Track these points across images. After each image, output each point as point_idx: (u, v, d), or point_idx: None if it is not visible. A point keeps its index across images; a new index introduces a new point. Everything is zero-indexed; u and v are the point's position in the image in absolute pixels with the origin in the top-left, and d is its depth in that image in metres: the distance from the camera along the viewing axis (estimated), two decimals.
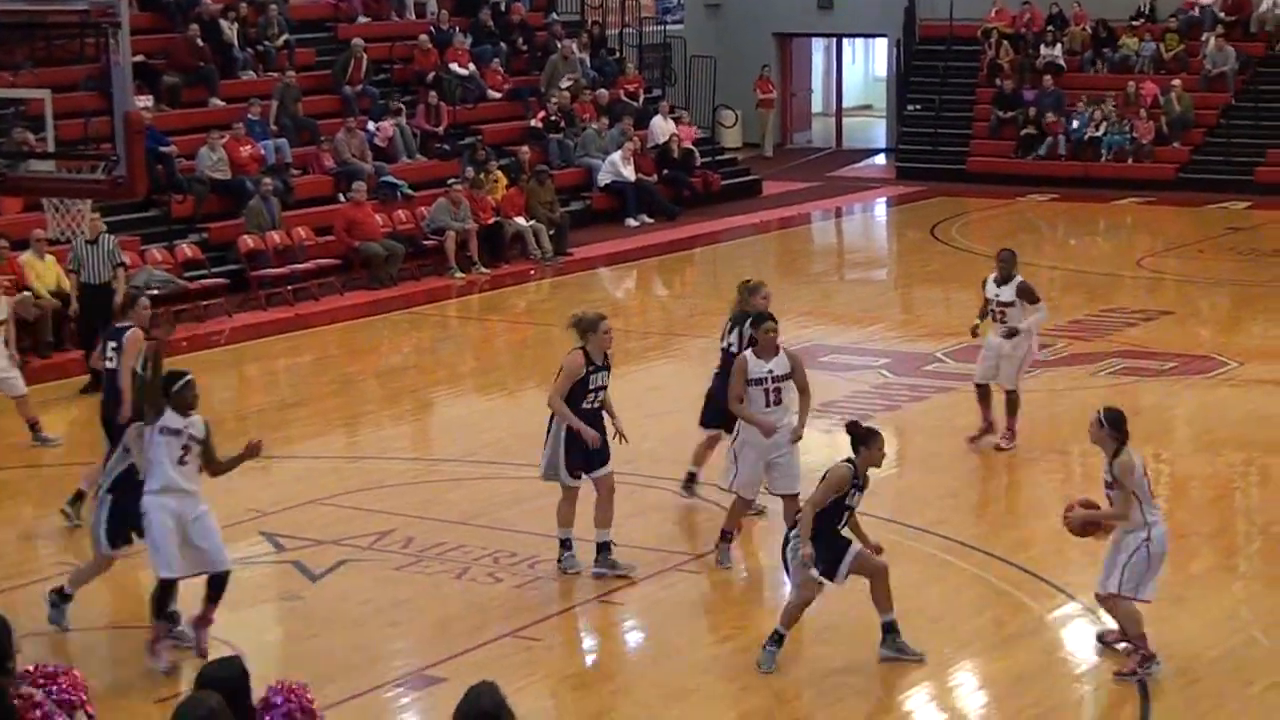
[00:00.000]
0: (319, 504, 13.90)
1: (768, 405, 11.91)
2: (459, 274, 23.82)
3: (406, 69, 28.14)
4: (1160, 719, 9.97)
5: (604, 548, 12.08)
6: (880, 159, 36.23)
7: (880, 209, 31.60)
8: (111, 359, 12.96)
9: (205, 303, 21.20)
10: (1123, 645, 10.57)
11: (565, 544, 12.13)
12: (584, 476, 11.97)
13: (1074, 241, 27.93)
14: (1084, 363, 18.28)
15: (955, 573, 12.34)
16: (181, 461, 10.55)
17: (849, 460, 10.34)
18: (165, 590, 10.65)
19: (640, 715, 10.17)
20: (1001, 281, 15.06)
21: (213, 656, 10.26)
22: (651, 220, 27.90)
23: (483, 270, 24.09)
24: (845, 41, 39.40)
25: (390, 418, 17.29)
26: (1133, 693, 10.24)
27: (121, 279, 17.97)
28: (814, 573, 10.25)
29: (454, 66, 28.30)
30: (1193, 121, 30.91)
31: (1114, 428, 10.17)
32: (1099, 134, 31.09)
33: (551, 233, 25.23)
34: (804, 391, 12.02)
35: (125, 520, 10.77)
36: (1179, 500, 14.12)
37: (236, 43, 26.13)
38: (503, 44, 29.83)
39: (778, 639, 10.50)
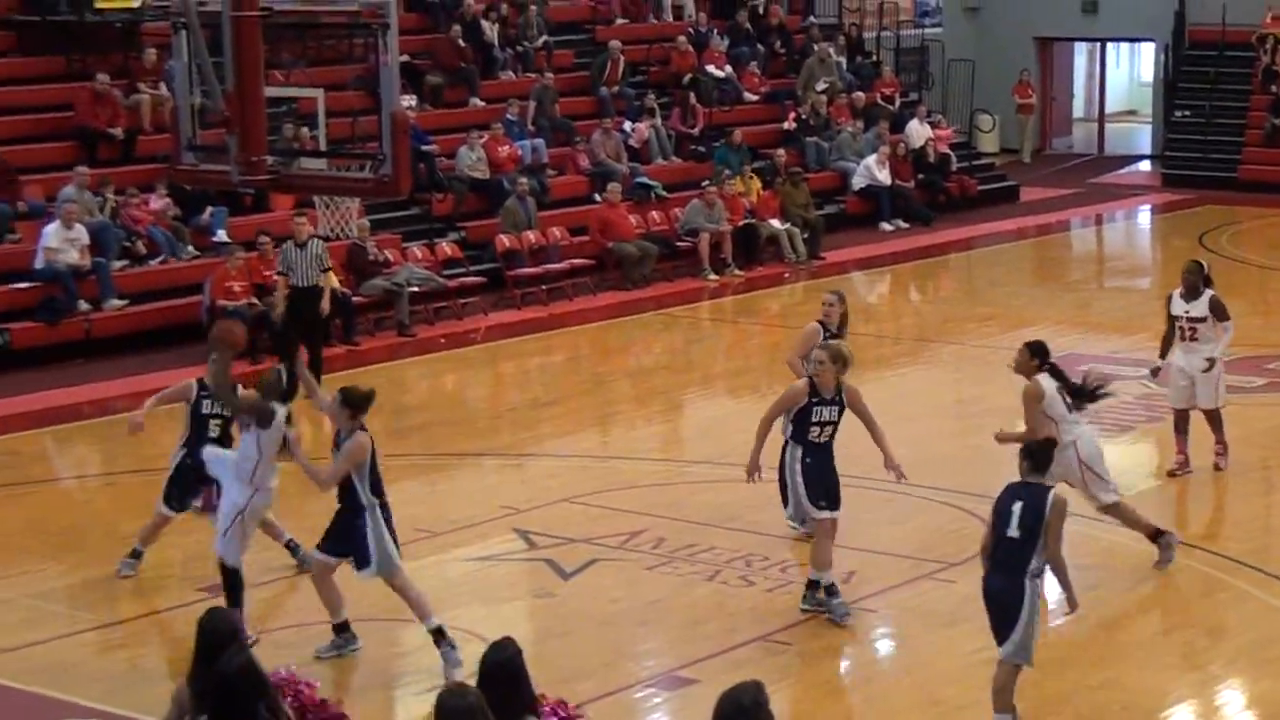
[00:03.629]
0: (571, 502, 14.04)
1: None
2: (712, 275, 23.89)
3: (663, 70, 28.31)
4: None
5: (814, 585, 11.60)
6: (1145, 165, 35.40)
7: (1144, 216, 30.87)
8: None
9: (463, 301, 21.59)
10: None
11: (829, 589, 11.50)
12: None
13: None
14: None
15: (1223, 588, 12.00)
16: None
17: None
18: None
19: None
20: (1189, 296, 14.37)
21: (464, 651, 10.46)
22: (906, 225, 27.67)
23: (736, 272, 24.13)
24: (1109, 46, 38.58)
25: (642, 418, 17.40)
26: None
27: (327, 283, 18.20)
28: None
29: (710, 68, 28.40)
30: None
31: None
32: None
33: (805, 235, 25.17)
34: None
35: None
36: None
37: (497, 43, 26.57)
38: (760, 46, 29.85)
39: None
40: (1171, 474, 14.47)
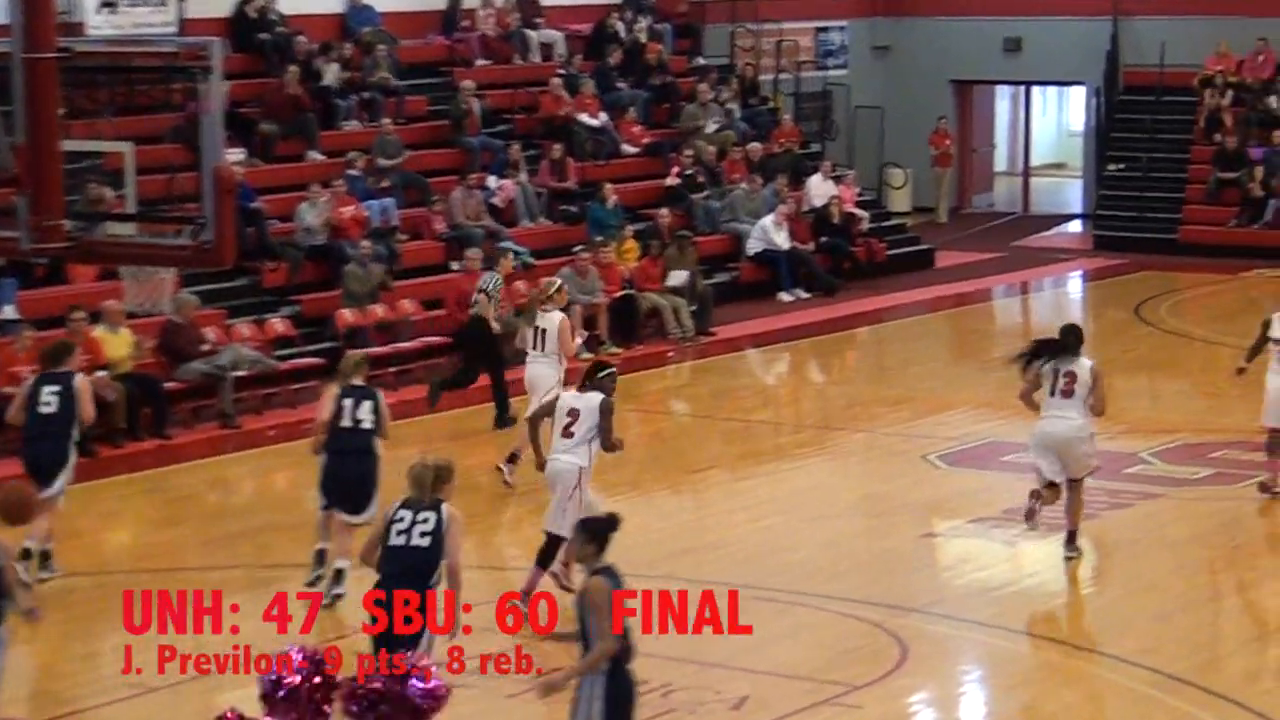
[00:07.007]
0: None
1: None
2: (585, 355, 23.89)
3: (531, 118, 28.37)
4: None
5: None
6: (1075, 226, 35.97)
7: (1075, 284, 31.35)
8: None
9: (297, 386, 21.35)
10: None
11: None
12: None
13: None
14: None
15: (1164, 712, 12.11)
16: None
17: None
18: None
19: None
20: None
21: None
22: (807, 295, 27.89)
23: (613, 350, 24.15)
24: (1035, 90, 39.25)
25: (509, 521, 17.35)
26: None
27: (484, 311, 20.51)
28: None
29: (583, 116, 28.48)
30: None
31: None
32: None
33: (693, 308, 25.26)
34: None
35: None
36: None
37: (338, 88, 26.44)
38: (641, 91, 29.96)
39: None
40: (1264, 488, 16.63)
